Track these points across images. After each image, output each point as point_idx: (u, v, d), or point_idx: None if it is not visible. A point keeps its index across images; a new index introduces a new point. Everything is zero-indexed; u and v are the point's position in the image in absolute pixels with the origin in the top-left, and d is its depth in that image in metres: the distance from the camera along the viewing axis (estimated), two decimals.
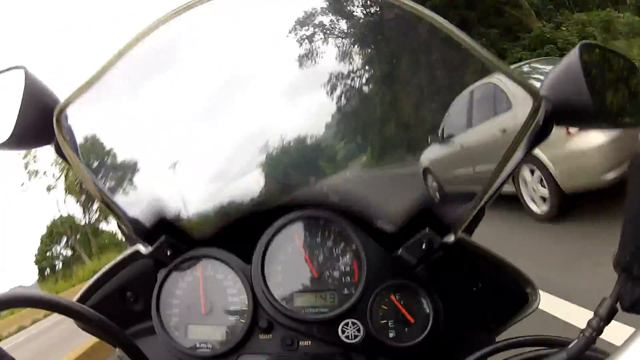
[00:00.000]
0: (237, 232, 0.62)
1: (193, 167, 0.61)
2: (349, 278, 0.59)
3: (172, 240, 0.61)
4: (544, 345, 0.47)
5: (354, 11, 0.55)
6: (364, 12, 0.55)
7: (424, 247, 0.58)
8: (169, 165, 0.60)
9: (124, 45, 0.49)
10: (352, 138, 0.60)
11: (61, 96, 0.59)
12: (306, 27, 0.54)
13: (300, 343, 0.58)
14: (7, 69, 0.61)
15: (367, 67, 0.57)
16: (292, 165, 0.62)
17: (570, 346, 0.38)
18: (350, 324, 0.57)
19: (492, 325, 0.65)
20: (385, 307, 0.58)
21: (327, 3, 0.55)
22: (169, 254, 0.60)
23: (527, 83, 0.50)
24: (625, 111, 0.63)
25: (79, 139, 0.57)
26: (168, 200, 0.62)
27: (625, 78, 0.68)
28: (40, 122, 0.56)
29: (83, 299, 0.63)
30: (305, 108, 0.57)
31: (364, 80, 0.57)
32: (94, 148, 0.59)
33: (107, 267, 0.64)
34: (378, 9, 0.56)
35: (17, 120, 0.56)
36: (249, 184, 0.62)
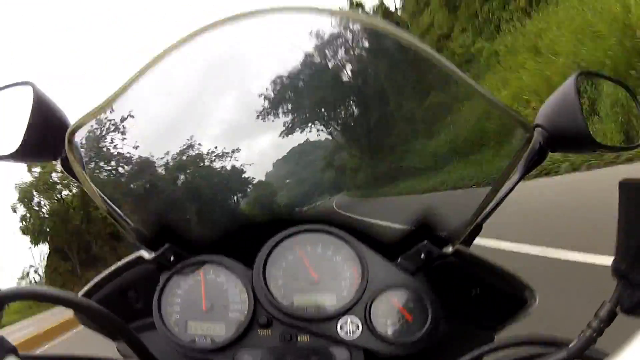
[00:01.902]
0: (240, 242, 0.64)
1: (198, 180, 0.63)
2: (348, 282, 0.60)
3: (175, 247, 0.62)
4: (544, 344, 0.48)
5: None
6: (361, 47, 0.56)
7: (422, 257, 0.60)
8: (173, 177, 0.62)
9: (136, 72, 0.50)
10: (357, 166, 0.63)
11: (66, 110, 0.61)
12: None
13: (298, 338, 0.59)
14: (15, 84, 0.63)
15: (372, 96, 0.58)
16: (297, 182, 0.64)
17: (570, 346, 0.39)
18: (348, 320, 0.58)
19: (491, 325, 0.67)
20: (384, 307, 0.59)
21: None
22: (171, 259, 0.62)
23: (519, 116, 0.52)
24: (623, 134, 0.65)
25: (86, 156, 0.59)
26: (172, 210, 0.63)
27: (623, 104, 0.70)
28: (48, 138, 0.58)
29: (86, 295, 0.64)
30: (313, 132, 0.59)
31: (372, 108, 0.59)
32: (100, 164, 0.61)
33: (110, 268, 0.65)
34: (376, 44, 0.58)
35: (25, 135, 0.57)
36: (254, 197, 0.64)
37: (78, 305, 0.46)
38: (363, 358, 0.57)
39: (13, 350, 0.38)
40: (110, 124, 0.57)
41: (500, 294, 0.64)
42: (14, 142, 0.59)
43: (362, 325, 0.58)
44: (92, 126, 0.54)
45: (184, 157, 0.60)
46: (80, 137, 0.55)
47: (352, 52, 0.56)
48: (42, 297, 0.43)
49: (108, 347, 0.63)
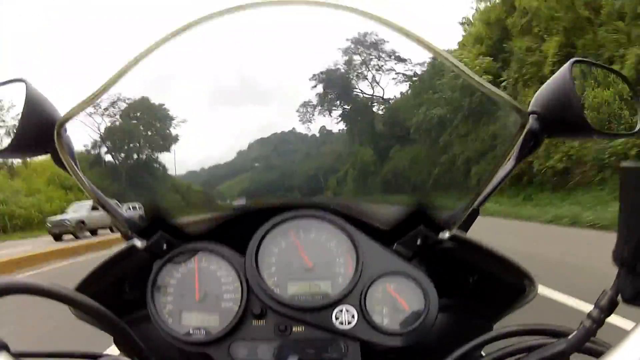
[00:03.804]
0: (233, 229, 0.63)
1: (190, 166, 0.62)
2: (343, 269, 0.59)
3: (168, 236, 0.62)
4: (543, 334, 0.48)
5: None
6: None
7: (419, 242, 0.59)
8: (165, 163, 0.61)
9: (125, 65, 0.51)
10: (356, 156, 0.62)
11: (58, 104, 0.62)
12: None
13: (293, 329, 0.58)
14: (9, 81, 0.64)
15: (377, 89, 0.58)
16: (292, 169, 0.63)
17: (570, 337, 0.39)
18: (344, 310, 0.57)
19: (489, 314, 0.65)
20: (380, 295, 0.58)
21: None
22: (164, 248, 0.62)
23: (514, 101, 0.51)
24: (618, 121, 0.65)
25: (77, 147, 0.59)
26: (164, 198, 0.63)
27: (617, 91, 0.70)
28: (39, 132, 0.58)
29: (80, 289, 0.64)
30: (315, 120, 0.58)
31: (376, 100, 0.58)
32: (91, 155, 0.61)
33: (104, 260, 0.65)
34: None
35: (17, 130, 0.59)
36: (247, 183, 0.63)
37: (72, 301, 0.45)
38: (359, 350, 0.57)
39: (4, 346, 0.37)
40: (100, 114, 0.57)
41: (498, 281, 0.63)
42: (6, 138, 0.62)
43: (358, 314, 0.57)
44: (82, 117, 0.54)
45: (178, 144, 0.60)
46: (71, 129, 0.56)
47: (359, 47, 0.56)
48: (35, 291, 0.42)
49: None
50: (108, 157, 0.62)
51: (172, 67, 0.54)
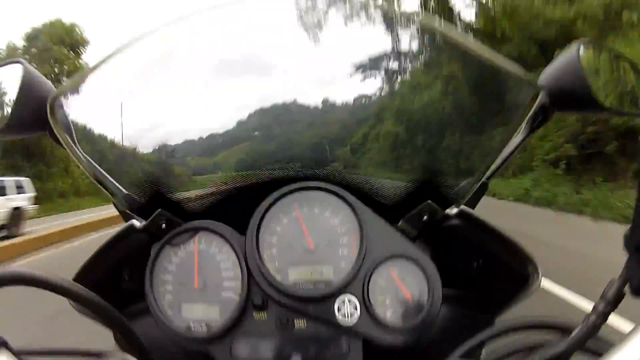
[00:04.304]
0: (234, 205, 0.61)
1: (189, 140, 0.61)
2: (346, 251, 0.57)
3: (167, 213, 0.60)
4: (546, 328, 0.46)
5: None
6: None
7: (425, 218, 0.57)
8: (163, 139, 0.60)
9: (118, 47, 0.51)
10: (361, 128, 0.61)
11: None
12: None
13: (295, 324, 0.57)
14: (6, 63, 0.63)
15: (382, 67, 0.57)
16: (293, 138, 0.62)
17: (572, 335, 0.37)
18: (346, 300, 0.55)
19: (492, 308, 0.63)
20: (383, 282, 0.56)
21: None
22: (163, 227, 0.60)
23: (525, 75, 0.51)
24: (623, 100, 0.65)
25: (73, 122, 0.58)
26: (162, 175, 0.61)
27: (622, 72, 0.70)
28: (35, 110, 0.57)
29: (79, 277, 0.62)
30: (319, 91, 0.57)
31: (381, 76, 0.57)
32: (88, 131, 0.59)
33: (102, 244, 0.63)
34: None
35: (12, 109, 0.58)
36: (247, 156, 0.62)
37: (70, 292, 0.43)
38: (361, 347, 0.55)
39: (4, 343, 0.35)
40: (95, 88, 0.57)
41: (502, 267, 0.61)
42: (3, 118, 0.61)
43: (360, 305, 0.55)
44: (77, 91, 0.53)
45: (177, 115, 0.59)
46: (67, 104, 0.55)
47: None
48: (31, 281, 0.40)
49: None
50: (105, 131, 0.60)
51: (174, 42, 0.54)
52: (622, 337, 0.29)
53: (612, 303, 0.35)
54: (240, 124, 0.59)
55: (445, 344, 0.48)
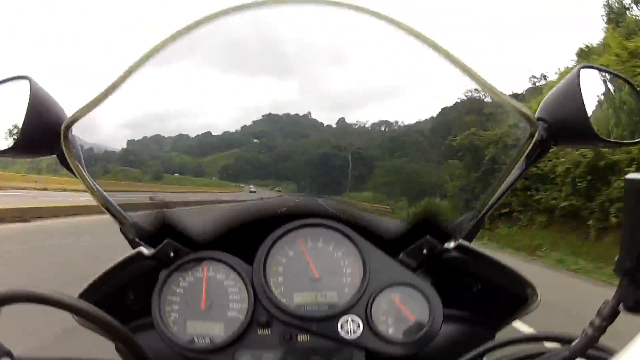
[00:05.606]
0: (241, 237, 0.63)
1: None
2: (350, 279, 0.60)
3: (175, 243, 0.61)
4: (546, 340, 0.49)
5: None
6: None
7: (424, 252, 0.59)
8: (174, 171, 0.61)
9: (130, 65, 0.50)
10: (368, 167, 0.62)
11: (64, 104, 0.61)
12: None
13: (298, 338, 0.58)
14: (12, 78, 0.62)
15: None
16: (293, 155, 0.63)
17: (573, 344, 0.40)
18: (349, 320, 0.57)
19: (492, 322, 0.66)
20: (385, 305, 0.58)
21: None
22: (171, 256, 0.61)
23: (523, 108, 0.51)
24: (625, 129, 0.65)
25: (83, 150, 0.58)
26: (172, 205, 0.63)
27: (625, 99, 0.69)
28: (45, 133, 0.57)
29: (84, 296, 0.63)
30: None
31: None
32: (98, 158, 0.60)
33: (109, 267, 0.65)
34: None
35: (21, 130, 0.57)
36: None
37: (74, 309, 0.45)
38: (364, 359, 0.57)
39: (8, 353, 0.38)
40: (108, 116, 0.56)
41: (501, 290, 0.63)
42: (12, 137, 0.61)
43: (363, 324, 0.57)
44: (89, 119, 0.53)
45: (188, 148, 0.60)
46: (77, 130, 0.55)
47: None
48: (37, 299, 0.42)
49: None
50: (116, 161, 0.61)
51: (185, 67, 0.52)
52: (624, 344, 0.30)
53: (609, 318, 0.38)
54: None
55: (446, 356, 0.50)
